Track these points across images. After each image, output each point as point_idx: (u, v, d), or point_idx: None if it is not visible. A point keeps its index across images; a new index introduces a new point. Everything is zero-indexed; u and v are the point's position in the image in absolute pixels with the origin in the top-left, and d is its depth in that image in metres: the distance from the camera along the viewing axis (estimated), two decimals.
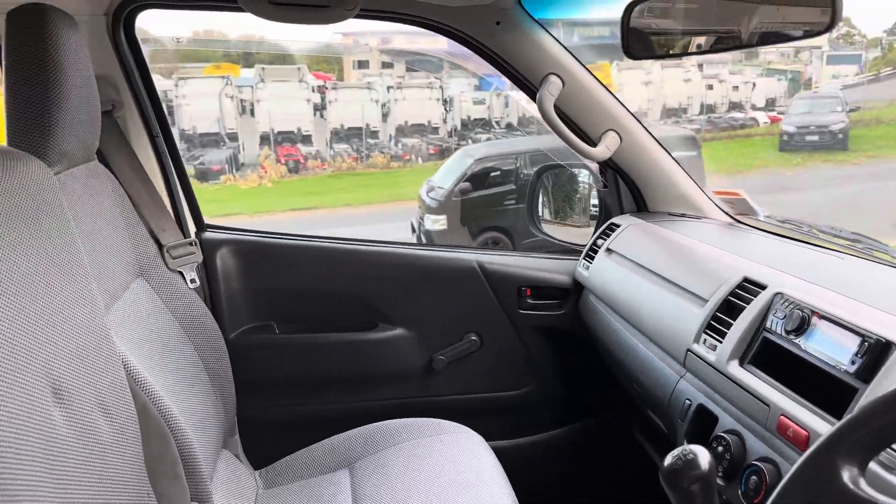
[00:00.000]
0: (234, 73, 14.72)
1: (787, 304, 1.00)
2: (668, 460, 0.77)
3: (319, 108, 13.82)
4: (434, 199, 8.30)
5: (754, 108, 15.75)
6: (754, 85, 16.66)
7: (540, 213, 1.91)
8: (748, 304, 1.06)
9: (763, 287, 1.07)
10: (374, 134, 13.97)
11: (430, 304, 1.69)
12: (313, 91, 13.86)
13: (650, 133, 1.59)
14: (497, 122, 14.19)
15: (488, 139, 13.06)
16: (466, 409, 1.67)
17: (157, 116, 1.53)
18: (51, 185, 0.93)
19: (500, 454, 1.44)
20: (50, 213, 0.90)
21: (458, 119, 14.44)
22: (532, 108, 1.55)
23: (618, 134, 1.55)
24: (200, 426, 1.29)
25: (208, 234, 1.61)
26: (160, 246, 1.46)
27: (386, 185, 12.56)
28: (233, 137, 12.87)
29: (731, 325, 1.07)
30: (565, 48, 1.50)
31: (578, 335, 1.69)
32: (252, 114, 13.29)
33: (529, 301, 1.71)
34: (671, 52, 1.12)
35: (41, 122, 1.05)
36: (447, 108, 14.33)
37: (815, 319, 0.93)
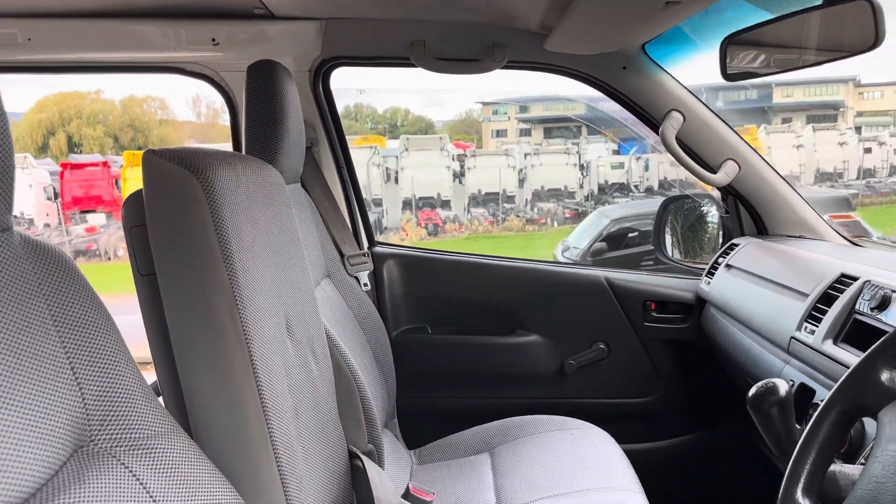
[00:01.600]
0: (381, 144, 15.79)
1: (874, 288, 1.15)
2: (752, 390, 0.96)
3: (458, 175, 14.38)
4: (569, 258, 8.42)
5: None
6: None
7: (667, 241, 2.10)
8: (842, 293, 1.22)
9: (856, 279, 1.22)
10: (510, 199, 14.32)
11: (563, 314, 1.93)
12: (453, 159, 14.42)
13: (767, 162, 1.77)
14: (636, 186, 14.16)
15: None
16: (593, 411, 1.86)
17: (343, 152, 1.92)
18: (283, 185, 1.29)
19: (626, 455, 1.61)
20: (285, 203, 1.25)
21: (596, 183, 14.52)
22: (675, 171, 1.78)
23: (736, 162, 1.75)
24: (372, 398, 1.59)
25: (378, 249, 1.96)
26: (342, 255, 1.82)
27: (520, 247, 12.83)
28: (377, 203, 13.65)
29: (827, 311, 1.23)
30: (685, 87, 1.73)
31: (701, 348, 1.85)
32: (396, 181, 13.99)
33: (654, 314, 1.90)
34: (757, 72, 1.33)
35: (272, 145, 1.43)
36: (584, 173, 14.45)
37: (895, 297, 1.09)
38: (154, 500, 0.74)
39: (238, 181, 1.00)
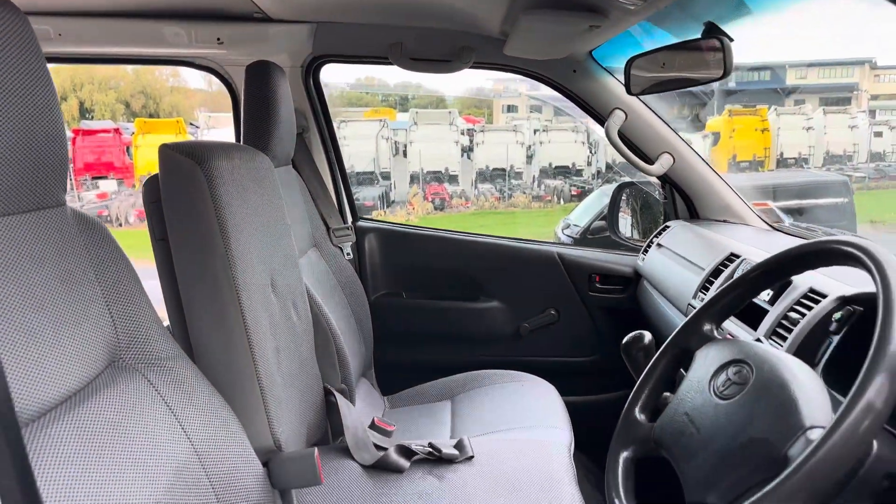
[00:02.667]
0: (391, 117, 15.90)
1: (748, 264, 1.44)
2: (625, 339, 1.25)
3: (467, 150, 14.47)
4: (569, 235, 8.64)
5: None
6: None
7: (618, 221, 2.39)
8: (727, 268, 1.51)
9: (739, 256, 1.51)
10: (517, 175, 14.44)
11: (519, 284, 2.23)
12: (462, 134, 14.48)
13: (699, 155, 2.04)
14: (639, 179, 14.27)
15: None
16: (543, 368, 2.16)
17: (331, 139, 2.21)
18: (272, 169, 1.59)
19: (568, 405, 1.90)
20: (273, 185, 1.55)
21: (604, 162, 14.62)
22: None
23: (671, 155, 2.02)
24: (349, 350, 1.90)
25: (360, 223, 2.26)
26: (328, 227, 2.12)
27: (524, 224, 13.05)
28: (385, 176, 13.80)
29: (713, 282, 1.52)
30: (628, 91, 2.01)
31: (636, 315, 2.15)
32: (405, 154, 14.10)
33: (598, 286, 2.20)
34: (651, 89, 1.59)
35: (265, 134, 1.72)
36: (592, 151, 14.53)
37: None
38: (168, 406, 1.05)
39: (233, 168, 1.30)
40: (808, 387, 0.85)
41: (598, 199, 9.29)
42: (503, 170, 14.38)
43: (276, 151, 1.76)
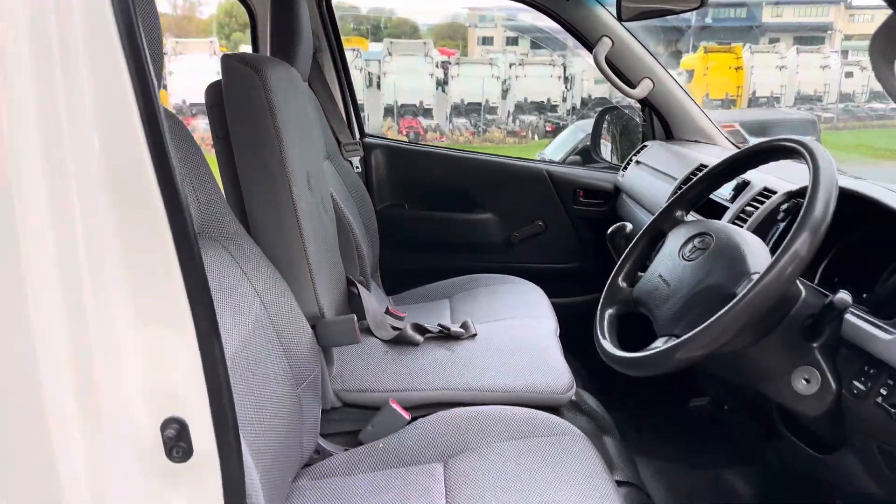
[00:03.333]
0: (363, 47, 15.68)
1: None
2: (609, 229, 1.53)
3: (441, 83, 14.46)
4: None
5: None
6: None
7: (601, 143, 2.65)
8: (696, 176, 1.79)
9: (706, 166, 1.79)
10: (492, 110, 14.50)
11: (511, 198, 2.49)
12: (437, 66, 14.41)
13: (676, 81, 2.29)
14: (618, 102, 14.44)
15: None
16: (531, 273, 2.44)
17: (341, 59, 2.41)
18: (301, 81, 1.80)
19: (552, 305, 2.18)
20: (304, 94, 1.77)
21: (579, 98, 14.73)
22: None
23: (651, 80, 2.27)
24: (364, 247, 2.15)
25: (368, 139, 2.49)
26: (339, 142, 2.34)
27: None
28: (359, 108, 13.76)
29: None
30: (614, 17, 2.23)
31: None
32: (378, 86, 14.04)
33: (582, 200, 2.48)
34: (640, 17, 1.82)
35: (292, 52, 1.92)
36: (568, 86, 14.61)
37: None
38: (244, 273, 1.30)
39: (279, 78, 1.52)
40: (755, 247, 1.14)
41: (573, 134, 9.48)
42: (478, 104, 14.39)
43: (299, 68, 1.97)
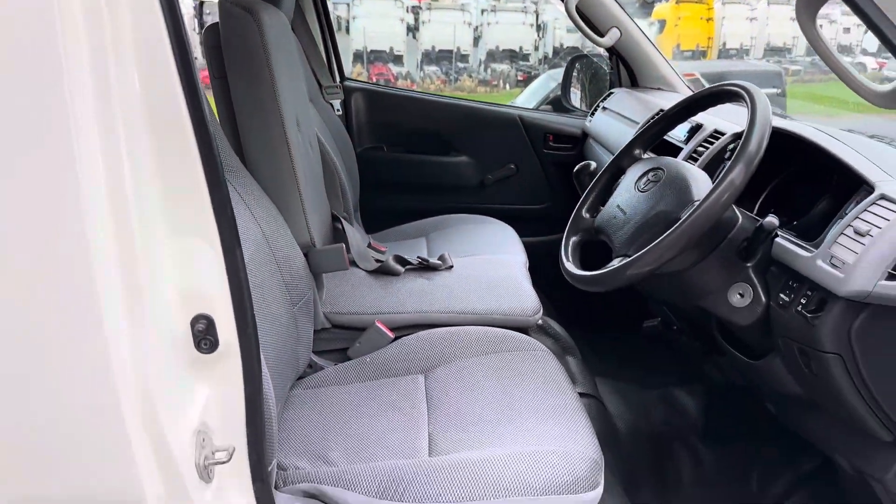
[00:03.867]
0: None
1: None
2: (575, 168, 1.69)
3: (412, 29, 14.29)
4: None
5: (865, 52, 15.20)
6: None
7: (570, 90, 2.79)
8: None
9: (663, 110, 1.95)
10: (463, 58, 14.41)
11: (485, 141, 2.64)
12: (407, 11, 14.23)
13: (642, 31, 2.43)
14: (590, 51, 14.45)
15: None
16: (503, 213, 2.60)
17: (322, 2, 2.49)
18: (287, 24, 1.90)
19: (523, 244, 2.34)
20: (290, 37, 1.87)
21: (551, 46, 14.70)
22: None
23: (619, 29, 2.41)
24: (347, 184, 2.29)
25: (348, 83, 2.60)
26: (320, 85, 2.45)
27: None
28: None
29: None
30: None
31: None
32: (347, 31, 13.83)
33: (552, 144, 2.64)
34: None
35: None
36: (540, 35, 14.55)
37: None
38: (245, 202, 1.43)
39: (272, 21, 1.63)
40: (700, 179, 1.31)
41: (545, 84, 9.52)
42: (450, 52, 14.29)
43: (283, 11, 2.07)
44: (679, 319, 1.78)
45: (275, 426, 1.13)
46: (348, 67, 12.99)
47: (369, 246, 2.10)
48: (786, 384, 1.35)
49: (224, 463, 0.96)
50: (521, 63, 14.35)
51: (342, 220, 2.02)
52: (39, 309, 0.84)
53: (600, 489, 1.21)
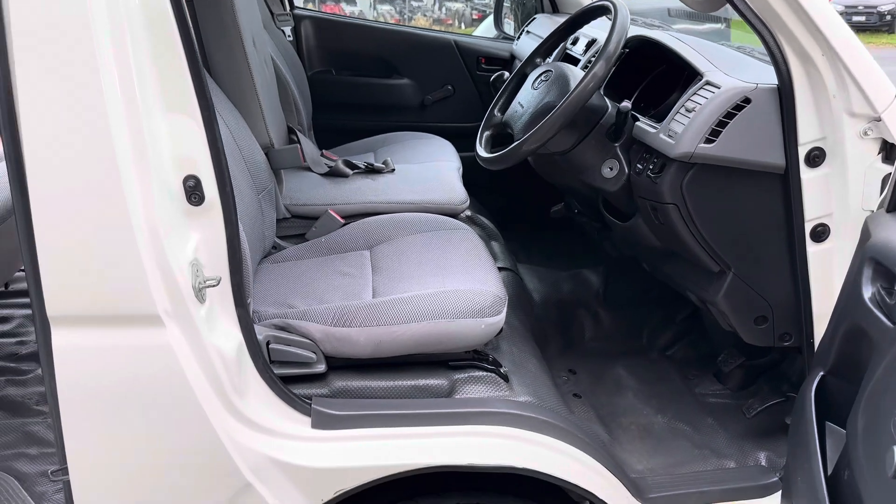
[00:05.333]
0: None
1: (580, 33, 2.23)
2: (492, 77, 2.04)
3: None
4: None
5: None
6: None
7: (502, 17, 3.13)
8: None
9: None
10: None
11: (424, 65, 2.98)
12: None
13: None
14: None
15: None
16: (442, 131, 2.93)
17: None
18: None
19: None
20: None
21: None
22: None
23: None
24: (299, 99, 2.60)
25: (297, 11, 2.90)
26: (272, 13, 2.74)
27: None
28: None
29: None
30: None
31: None
32: None
33: (484, 66, 2.99)
34: None
35: None
36: None
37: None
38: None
39: None
40: (577, 76, 1.68)
41: None
42: None
43: None
44: (578, 203, 2.18)
45: (249, 268, 1.48)
46: (299, 3, 12.92)
47: (322, 155, 2.44)
48: (648, 238, 1.75)
49: (214, 286, 1.32)
50: (475, 1, 14.43)
51: (297, 131, 2.35)
52: (73, 166, 1.17)
53: (502, 316, 1.60)
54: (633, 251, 2.02)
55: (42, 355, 1.28)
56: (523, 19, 3.10)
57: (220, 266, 1.35)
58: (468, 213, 2.27)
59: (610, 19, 1.64)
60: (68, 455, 1.31)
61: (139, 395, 1.29)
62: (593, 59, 2.02)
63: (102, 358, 1.27)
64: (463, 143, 2.93)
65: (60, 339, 1.24)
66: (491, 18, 9.90)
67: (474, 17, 14.36)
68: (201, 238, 1.31)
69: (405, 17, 14.45)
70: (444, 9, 14.77)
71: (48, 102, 1.15)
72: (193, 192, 1.28)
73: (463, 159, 2.67)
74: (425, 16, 14.71)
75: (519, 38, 2.87)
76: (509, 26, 3.24)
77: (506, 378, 1.62)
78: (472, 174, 2.58)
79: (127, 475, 1.35)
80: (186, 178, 1.27)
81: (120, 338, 1.26)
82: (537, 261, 2.54)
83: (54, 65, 1.14)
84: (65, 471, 1.34)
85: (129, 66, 1.16)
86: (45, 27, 1.12)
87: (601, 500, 1.50)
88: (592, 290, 2.36)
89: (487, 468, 1.45)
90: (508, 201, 2.45)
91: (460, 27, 14.34)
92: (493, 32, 9.56)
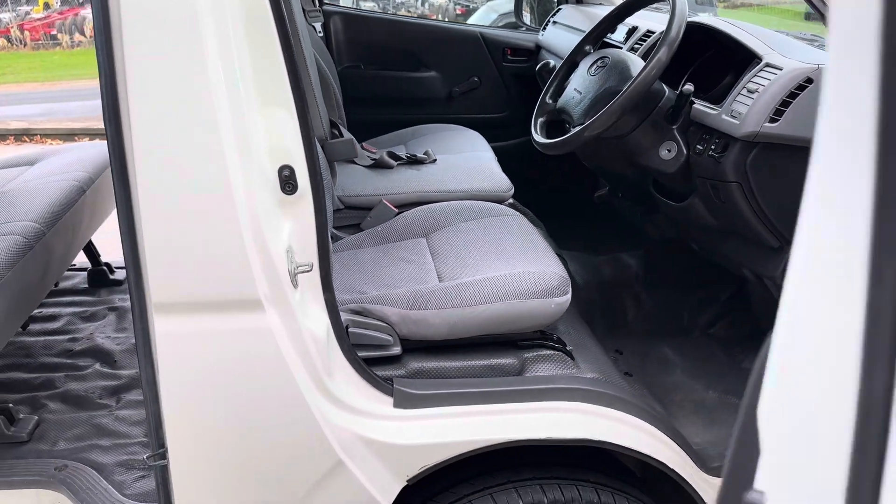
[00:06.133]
0: None
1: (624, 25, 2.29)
2: (538, 66, 2.09)
3: None
4: None
5: None
6: None
7: (522, 9, 3.18)
8: None
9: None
10: None
11: (451, 57, 3.03)
12: None
13: None
14: None
15: None
16: (469, 122, 2.99)
17: None
18: None
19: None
20: None
21: None
22: None
23: None
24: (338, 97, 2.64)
25: (326, 7, 2.93)
26: (304, 9, 2.77)
27: None
28: None
29: None
30: None
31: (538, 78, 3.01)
32: None
33: (510, 57, 3.04)
34: None
35: None
36: None
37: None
38: None
39: None
40: (636, 62, 1.74)
41: (485, 16, 9.78)
42: None
43: None
44: (623, 188, 2.24)
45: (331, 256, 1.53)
46: None
47: (362, 148, 2.48)
48: (704, 218, 1.82)
49: (308, 271, 1.36)
50: None
51: (339, 126, 2.39)
52: (182, 158, 1.22)
53: (569, 296, 1.66)
54: (681, 232, 2.09)
55: (139, 344, 1.32)
56: (542, 11, 3.16)
57: (308, 253, 1.39)
58: (511, 200, 2.32)
59: (661, 9, 1.71)
60: (168, 439, 1.35)
61: (239, 377, 1.33)
62: (636, 46, 2.09)
63: (205, 342, 1.31)
64: (490, 133, 2.99)
65: (163, 326, 1.29)
66: (478, 14, 9.93)
67: (458, 11, 14.39)
68: (292, 226, 1.36)
69: (388, 12, 14.44)
70: (427, 4, 14.78)
71: (158, 96, 1.19)
72: (288, 181, 1.32)
73: (493, 148, 2.73)
74: (409, 11, 14.71)
75: (545, 28, 2.92)
76: (526, 16, 3.30)
77: (571, 356, 1.67)
78: (501, 163, 2.64)
79: (225, 457, 1.40)
80: (282, 168, 1.31)
81: (222, 322, 1.30)
82: (574, 246, 2.60)
83: (164, 59, 1.18)
84: (161, 455, 1.38)
85: (231, 59, 1.20)
86: (154, 23, 1.16)
87: (673, 471, 1.56)
88: (632, 272, 2.43)
89: (565, 441, 1.51)
90: (539, 190, 2.51)
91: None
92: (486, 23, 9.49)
